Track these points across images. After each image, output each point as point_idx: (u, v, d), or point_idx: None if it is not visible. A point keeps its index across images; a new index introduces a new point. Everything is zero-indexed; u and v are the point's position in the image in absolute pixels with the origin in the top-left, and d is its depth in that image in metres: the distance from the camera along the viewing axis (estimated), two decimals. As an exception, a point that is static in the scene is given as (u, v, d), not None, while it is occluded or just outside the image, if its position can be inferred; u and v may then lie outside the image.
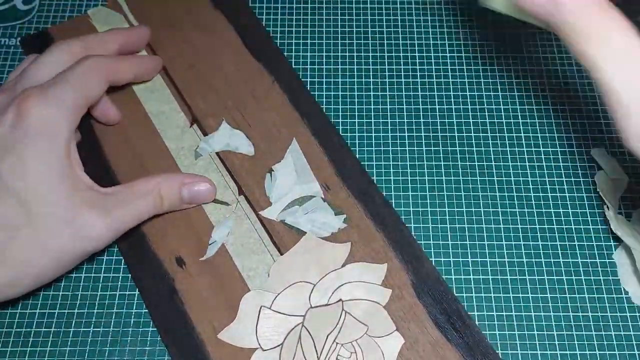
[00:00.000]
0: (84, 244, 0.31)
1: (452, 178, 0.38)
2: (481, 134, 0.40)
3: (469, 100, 0.41)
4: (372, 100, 0.41)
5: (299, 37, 0.43)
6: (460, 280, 0.35)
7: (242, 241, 0.35)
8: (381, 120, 0.40)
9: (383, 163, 0.39)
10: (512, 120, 0.40)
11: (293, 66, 0.42)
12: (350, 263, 0.35)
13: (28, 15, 0.44)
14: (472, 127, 0.40)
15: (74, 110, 0.32)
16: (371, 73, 0.42)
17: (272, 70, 0.41)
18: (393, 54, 0.43)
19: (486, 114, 0.41)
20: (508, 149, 0.39)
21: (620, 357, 0.33)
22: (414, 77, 0.42)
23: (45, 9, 0.44)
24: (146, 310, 0.34)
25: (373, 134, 0.40)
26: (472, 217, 0.37)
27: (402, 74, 0.42)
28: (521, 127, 0.40)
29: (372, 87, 0.42)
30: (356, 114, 0.40)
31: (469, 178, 0.38)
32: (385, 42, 0.43)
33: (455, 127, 0.40)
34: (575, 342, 0.33)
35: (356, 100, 0.41)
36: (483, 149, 0.39)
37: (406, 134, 0.40)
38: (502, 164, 0.39)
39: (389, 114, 0.40)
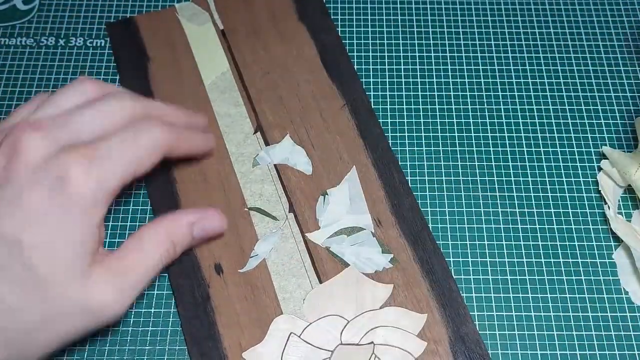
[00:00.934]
0: (97, 323, 0.28)
1: (452, 178, 0.38)
2: (481, 134, 0.40)
3: (469, 100, 0.41)
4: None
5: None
6: (460, 280, 0.35)
7: (283, 260, 0.34)
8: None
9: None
10: (512, 120, 0.40)
11: (366, 92, 0.41)
12: (389, 306, 0.33)
13: (28, 15, 0.44)
14: (471, 127, 0.40)
15: (119, 186, 0.29)
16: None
17: (344, 93, 0.40)
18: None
19: (486, 113, 0.40)
20: (508, 148, 0.39)
21: (620, 357, 0.32)
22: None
23: (45, 8, 0.45)
24: (146, 310, 0.34)
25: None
26: (472, 217, 0.37)
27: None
28: (521, 127, 0.40)
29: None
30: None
31: (469, 178, 0.38)
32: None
33: (455, 127, 0.40)
34: (575, 342, 0.33)
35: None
36: (483, 148, 0.39)
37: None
38: (501, 163, 0.38)
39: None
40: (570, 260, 0.35)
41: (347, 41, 0.43)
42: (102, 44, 0.43)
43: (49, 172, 0.26)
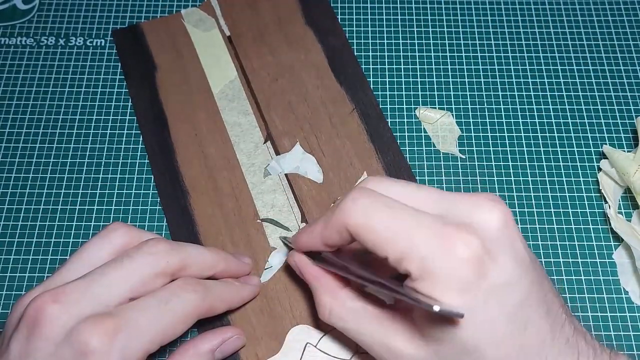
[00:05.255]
0: None
1: (452, 178, 0.37)
2: (481, 134, 0.39)
3: (468, 100, 0.40)
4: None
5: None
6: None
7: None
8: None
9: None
10: (512, 120, 0.39)
11: (376, 97, 0.39)
12: (403, 314, 0.33)
13: (28, 15, 0.43)
14: (471, 127, 0.39)
15: (144, 356, 0.26)
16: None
17: (353, 97, 0.39)
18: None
19: (486, 113, 0.40)
20: (508, 148, 0.38)
21: (620, 356, 0.32)
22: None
23: (45, 8, 0.43)
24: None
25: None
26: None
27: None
28: (521, 127, 0.39)
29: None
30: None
31: (469, 178, 0.37)
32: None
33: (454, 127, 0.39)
34: (576, 341, 0.32)
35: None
36: (483, 148, 0.38)
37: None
38: (502, 163, 0.38)
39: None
40: (570, 259, 0.35)
41: (354, 41, 0.42)
42: (102, 44, 0.41)
43: (71, 346, 0.24)
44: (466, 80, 0.41)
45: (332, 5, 0.43)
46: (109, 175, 0.37)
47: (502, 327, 0.24)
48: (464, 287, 0.23)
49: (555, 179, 0.37)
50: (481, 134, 0.39)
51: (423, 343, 0.25)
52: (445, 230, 0.23)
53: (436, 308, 0.22)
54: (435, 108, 0.39)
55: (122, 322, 0.25)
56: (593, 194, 0.37)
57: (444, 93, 0.40)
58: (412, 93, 0.40)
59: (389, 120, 0.39)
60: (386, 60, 0.41)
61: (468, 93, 0.40)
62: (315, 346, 0.32)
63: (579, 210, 0.36)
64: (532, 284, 0.25)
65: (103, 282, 0.26)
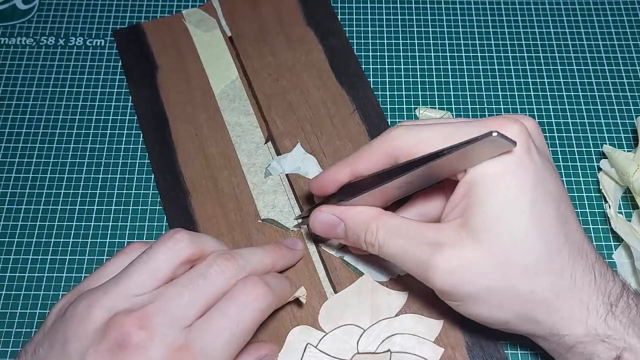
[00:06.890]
0: None
1: None
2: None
3: (469, 100, 0.40)
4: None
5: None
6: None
7: (297, 271, 0.33)
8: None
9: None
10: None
11: (376, 97, 0.39)
12: (405, 314, 0.32)
13: (28, 15, 0.43)
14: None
15: None
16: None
17: (354, 98, 0.38)
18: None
19: (486, 113, 0.40)
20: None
21: (619, 355, 0.32)
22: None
23: (45, 8, 0.43)
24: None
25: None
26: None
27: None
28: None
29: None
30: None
31: None
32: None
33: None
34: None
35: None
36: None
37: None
38: None
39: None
40: (571, 259, 0.35)
41: (354, 41, 0.41)
42: (102, 44, 0.41)
43: None
44: (466, 80, 0.40)
45: (332, 5, 0.43)
46: (109, 175, 0.37)
47: (550, 206, 0.27)
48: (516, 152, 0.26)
49: (555, 178, 0.37)
50: (481, 133, 0.38)
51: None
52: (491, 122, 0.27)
53: (494, 134, 0.24)
54: (435, 108, 0.39)
55: (200, 353, 0.25)
56: (593, 194, 0.37)
57: (444, 93, 0.40)
58: (412, 93, 0.40)
59: (389, 120, 0.38)
60: (386, 60, 0.41)
61: (468, 93, 0.40)
62: (315, 347, 0.31)
63: (579, 210, 0.36)
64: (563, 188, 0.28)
65: (181, 305, 0.26)
